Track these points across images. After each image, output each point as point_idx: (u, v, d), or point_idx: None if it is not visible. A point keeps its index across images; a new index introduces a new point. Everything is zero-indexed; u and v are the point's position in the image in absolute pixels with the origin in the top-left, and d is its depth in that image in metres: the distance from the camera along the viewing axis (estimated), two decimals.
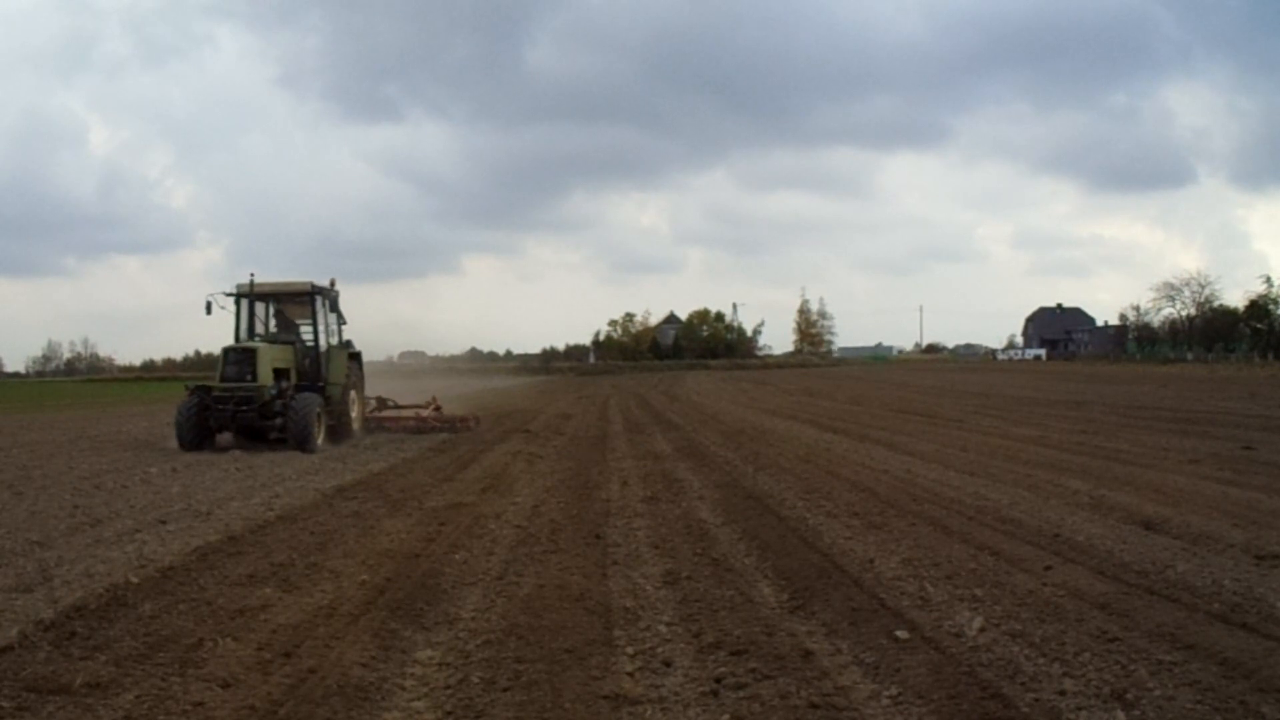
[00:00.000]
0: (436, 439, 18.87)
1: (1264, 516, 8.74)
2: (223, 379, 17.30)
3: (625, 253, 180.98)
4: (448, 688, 4.89)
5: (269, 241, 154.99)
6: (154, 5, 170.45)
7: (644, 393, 40.13)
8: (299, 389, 17.71)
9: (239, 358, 17.38)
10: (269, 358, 17.50)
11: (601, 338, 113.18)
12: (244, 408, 16.97)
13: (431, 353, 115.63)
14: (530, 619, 5.96)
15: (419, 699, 4.77)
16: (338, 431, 18.24)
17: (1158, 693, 4.55)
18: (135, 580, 6.89)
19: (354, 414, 19.34)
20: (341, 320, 19.74)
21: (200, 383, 18.14)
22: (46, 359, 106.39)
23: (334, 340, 19.44)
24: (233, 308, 18.64)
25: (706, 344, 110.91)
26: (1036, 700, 4.52)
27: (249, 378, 17.07)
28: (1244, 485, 10.63)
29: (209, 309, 18.14)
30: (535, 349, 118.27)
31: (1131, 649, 5.15)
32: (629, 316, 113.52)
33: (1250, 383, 39.90)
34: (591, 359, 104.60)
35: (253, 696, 4.69)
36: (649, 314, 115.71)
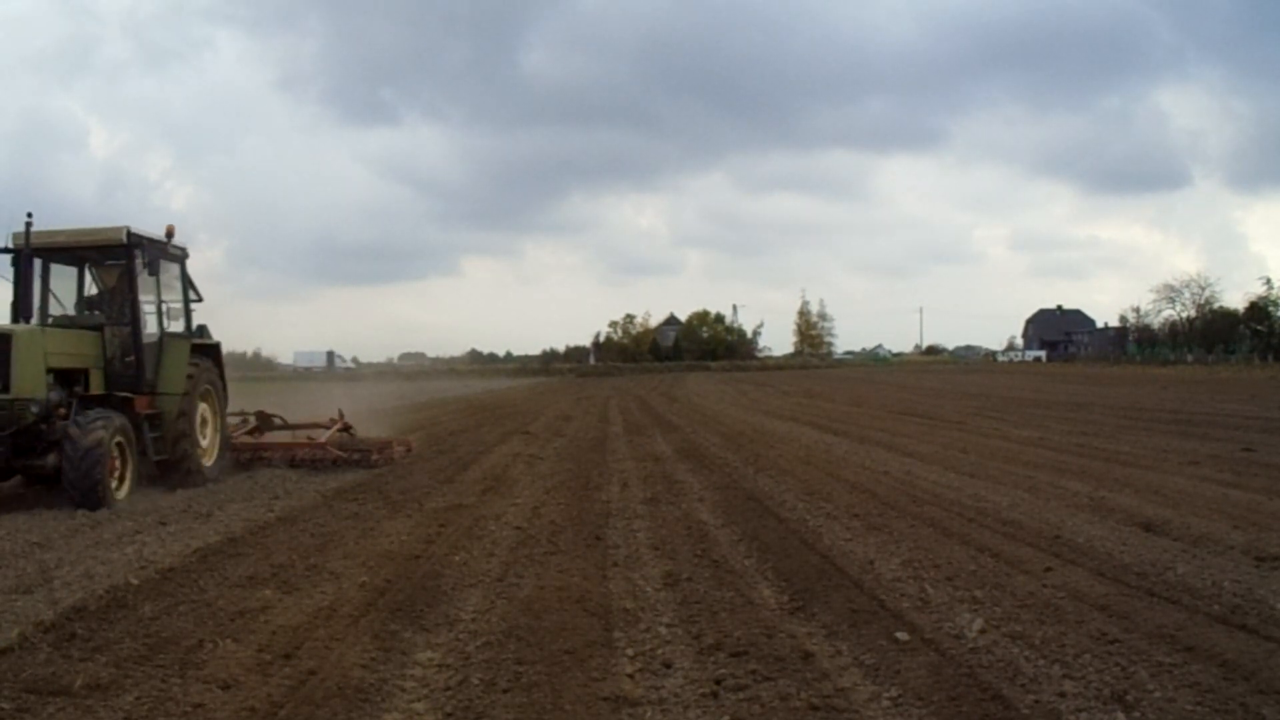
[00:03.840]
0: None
1: (1264, 518, 8.74)
2: None
3: (624, 254, 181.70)
4: (448, 689, 4.88)
5: (269, 243, 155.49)
6: (154, 9, 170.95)
7: (644, 394, 40.11)
8: (91, 402, 11.32)
9: None
10: (38, 351, 10.81)
11: (601, 339, 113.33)
12: None
13: (431, 354, 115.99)
14: (530, 620, 5.96)
15: (419, 700, 4.77)
16: (176, 469, 12.08)
17: (1158, 694, 4.55)
18: (135, 582, 6.88)
19: (205, 441, 12.88)
20: (193, 295, 13.47)
21: None
22: None
23: (173, 324, 12.99)
24: (11, 273, 12.14)
25: (706, 345, 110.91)
26: (1037, 702, 4.52)
27: None
28: (1244, 487, 10.64)
29: None
30: (535, 350, 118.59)
31: (1132, 650, 5.15)
32: (629, 318, 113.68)
33: (1250, 384, 39.91)
34: (591, 360, 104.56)
35: (253, 698, 4.69)
36: (649, 315, 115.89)
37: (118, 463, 10.92)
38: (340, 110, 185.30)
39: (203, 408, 12.93)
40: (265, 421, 15.92)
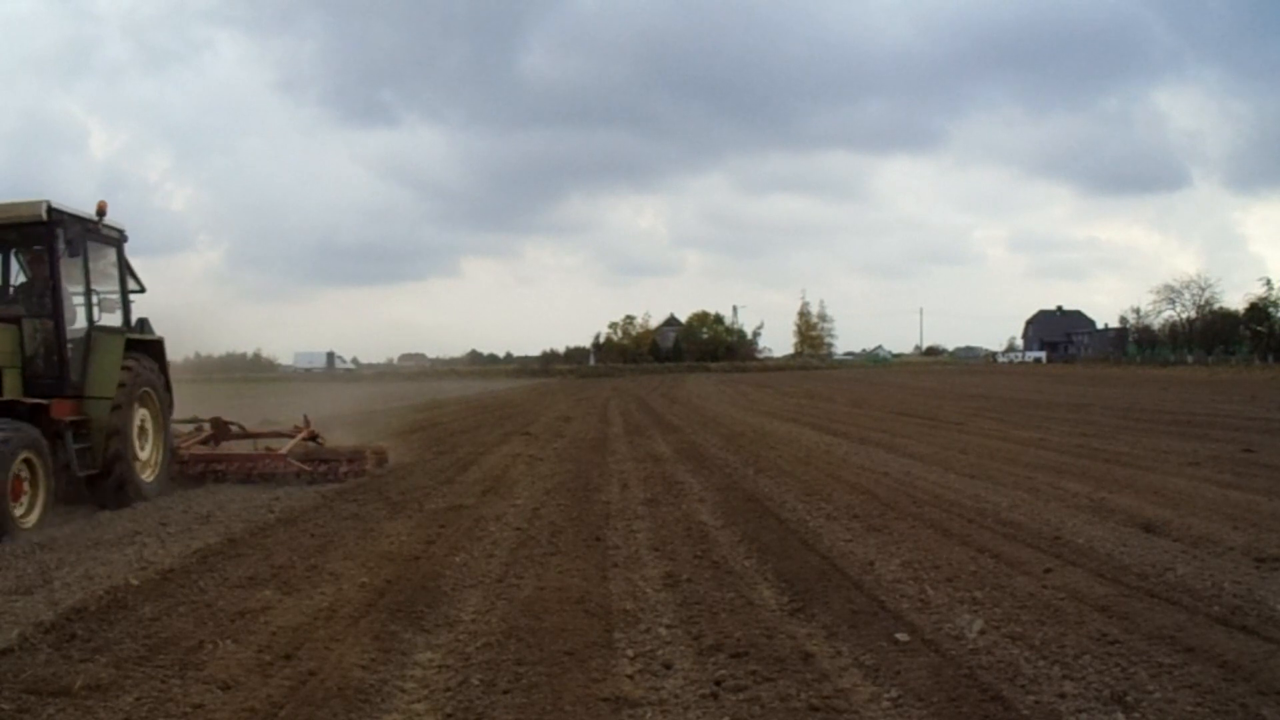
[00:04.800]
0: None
1: (1264, 519, 8.74)
2: None
3: (623, 255, 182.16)
4: (448, 690, 4.89)
5: (269, 244, 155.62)
6: (154, 11, 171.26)
7: (644, 395, 40.11)
8: None
9: None
10: None
11: (601, 340, 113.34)
12: None
13: (431, 355, 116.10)
14: (530, 621, 5.96)
15: (419, 701, 4.77)
16: (109, 485, 10.53)
17: (1158, 695, 4.55)
18: (135, 582, 6.88)
19: (145, 454, 11.36)
20: (133, 284, 12.03)
21: None
22: None
23: (105, 315, 11.40)
24: None
25: (706, 346, 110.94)
26: (1037, 703, 4.52)
27: None
28: (1244, 488, 10.64)
29: None
30: (535, 351, 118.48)
31: (1132, 651, 5.15)
32: (629, 319, 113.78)
33: (1250, 385, 39.95)
34: (591, 361, 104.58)
35: (253, 699, 4.69)
36: (649, 316, 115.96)
37: (25, 482, 9.29)
38: (340, 111, 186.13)
39: (142, 414, 11.34)
40: (222, 429, 14.37)
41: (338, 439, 15.74)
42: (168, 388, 12.13)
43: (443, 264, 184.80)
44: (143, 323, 12.11)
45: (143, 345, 11.75)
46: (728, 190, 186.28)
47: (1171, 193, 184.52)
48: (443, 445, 17.92)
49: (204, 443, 14.00)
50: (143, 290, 12.24)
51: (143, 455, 11.35)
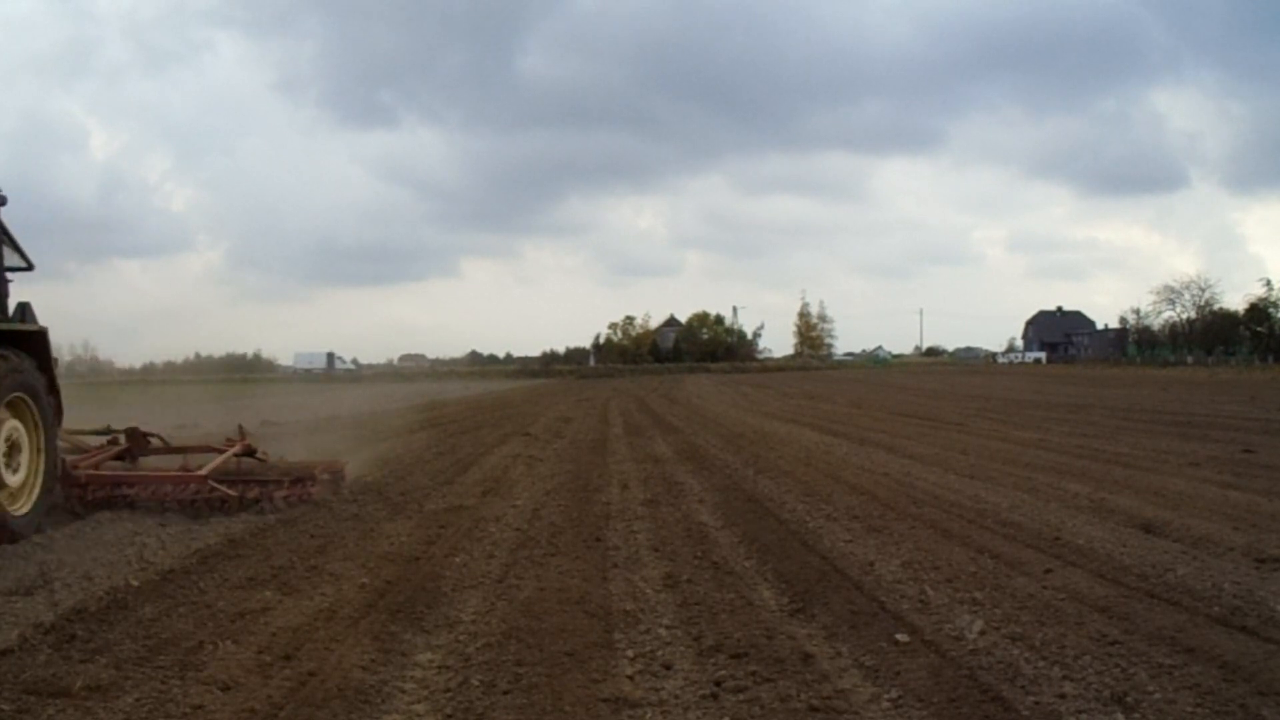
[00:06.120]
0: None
1: (1264, 520, 8.74)
2: None
3: (623, 256, 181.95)
4: (448, 691, 4.89)
5: (269, 245, 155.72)
6: (153, 12, 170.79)
7: (644, 396, 40.12)
8: None
9: None
10: None
11: (601, 341, 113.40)
12: None
13: (431, 356, 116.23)
14: (530, 622, 5.96)
15: (419, 702, 4.77)
16: None
17: (1158, 696, 4.56)
18: (135, 583, 6.88)
19: (15, 479, 8.66)
20: (14, 260, 9.74)
21: None
22: None
23: None
24: None
25: (706, 347, 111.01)
26: (1036, 703, 4.52)
27: None
28: (1244, 488, 10.64)
29: None
30: (535, 352, 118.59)
31: (1132, 652, 5.15)
32: (629, 319, 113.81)
33: (1250, 386, 39.98)
34: (591, 362, 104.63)
35: (253, 699, 4.69)
36: (649, 317, 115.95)
37: None
38: (339, 112, 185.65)
39: (11, 426, 8.64)
40: (139, 442, 11.82)
41: (333, 445, 15.61)
42: (53, 392, 9.40)
43: (442, 264, 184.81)
44: (24, 308, 9.53)
45: (16, 338, 9.07)
46: (727, 191, 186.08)
47: (1170, 193, 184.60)
48: (442, 446, 17.91)
49: (119, 458, 11.51)
50: (29, 267, 9.89)
51: (11, 481, 8.61)
